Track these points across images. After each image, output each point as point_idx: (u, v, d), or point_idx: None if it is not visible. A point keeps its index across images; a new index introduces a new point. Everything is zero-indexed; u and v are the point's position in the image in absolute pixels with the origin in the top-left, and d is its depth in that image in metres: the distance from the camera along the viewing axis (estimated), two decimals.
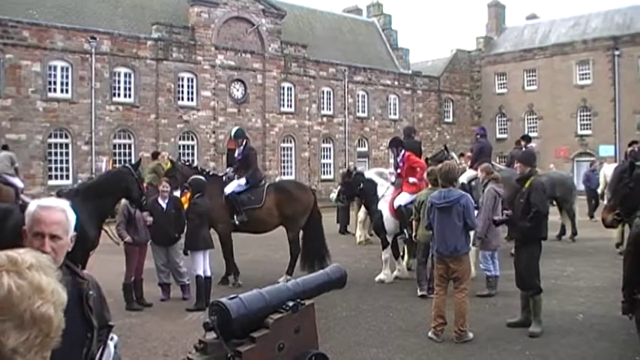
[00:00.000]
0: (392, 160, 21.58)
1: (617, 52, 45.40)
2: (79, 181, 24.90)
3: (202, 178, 11.84)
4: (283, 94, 40.35)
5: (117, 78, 32.91)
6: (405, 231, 12.67)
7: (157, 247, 11.57)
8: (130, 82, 33.38)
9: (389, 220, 12.82)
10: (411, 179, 13.00)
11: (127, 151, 33.13)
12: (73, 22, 31.65)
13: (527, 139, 19.43)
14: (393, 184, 13.48)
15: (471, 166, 16.30)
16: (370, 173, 14.45)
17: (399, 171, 13.53)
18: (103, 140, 32.10)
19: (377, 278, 12.81)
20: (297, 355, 5.84)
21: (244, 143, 14.03)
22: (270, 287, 6.24)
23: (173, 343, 8.63)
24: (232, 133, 14.84)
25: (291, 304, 5.82)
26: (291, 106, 40.75)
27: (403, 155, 13.30)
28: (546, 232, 9.13)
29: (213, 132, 36.51)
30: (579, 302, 10.16)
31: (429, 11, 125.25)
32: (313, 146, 41.70)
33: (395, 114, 47.50)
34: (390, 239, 12.97)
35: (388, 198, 12.96)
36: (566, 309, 10.21)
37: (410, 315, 10.14)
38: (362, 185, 13.18)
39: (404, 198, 12.71)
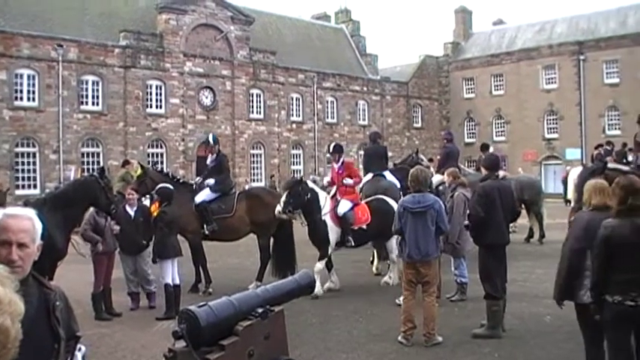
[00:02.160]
0: (361, 166, 21.68)
1: (582, 57, 46.07)
2: (47, 191, 24.67)
3: (169, 186, 11.74)
4: (252, 100, 40.35)
5: (84, 86, 32.72)
6: (350, 238, 12.43)
7: (124, 256, 11.51)
8: (97, 90, 33.19)
9: (333, 230, 12.46)
10: (346, 180, 12.86)
11: (96, 159, 32.90)
12: (40, 30, 31.40)
13: (486, 147, 19.69)
14: (326, 189, 13.41)
15: (437, 171, 16.42)
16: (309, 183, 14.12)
17: (330, 179, 13.44)
18: (71, 149, 31.85)
19: (312, 295, 11.87)
20: None
21: (217, 150, 13.99)
22: (240, 294, 6.22)
23: (143, 352, 8.59)
24: (210, 139, 14.65)
25: (260, 310, 5.81)
26: (260, 113, 40.76)
27: (343, 163, 13.21)
28: (497, 237, 8.97)
29: (182, 139, 36.39)
30: (547, 304, 10.18)
31: (396, 17, 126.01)
32: (283, 152, 41.73)
33: (364, 119, 47.69)
34: (331, 250, 12.62)
35: (328, 208, 12.52)
36: (535, 311, 10.33)
37: (380, 320, 10.17)
38: (309, 195, 12.46)
39: (345, 206, 12.52)
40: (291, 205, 12.11)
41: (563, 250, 6.43)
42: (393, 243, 12.16)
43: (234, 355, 5.50)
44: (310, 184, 13.09)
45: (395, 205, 11.44)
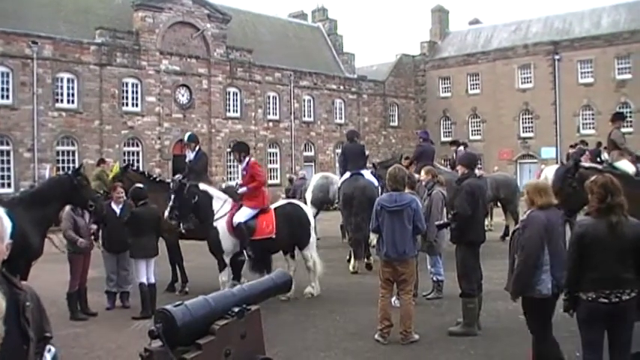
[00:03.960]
0: (337, 165, 21.68)
1: (557, 57, 46.44)
2: (22, 189, 24.45)
3: (141, 186, 11.62)
4: (229, 99, 40.23)
5: (59, 84, 32.42)
6: (245, 252, 11.46)
7: (108, 255, 11.46)
8: (73, 88, 32.91)
9: (226, 238, 11.37)
10: (241, 189, 11.91)
11: (71, 158, 32.62)
12: (14, 27, 31.05)
13: (457, 144, 19.78)
14: (240, 196, 11.87)
15: (407, 168, 16.47)
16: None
17: (241, 181, 12.34)
18: (45, 147, 31.55)
19: None
20: None
21: (197, 148, 13.93)
22: (216, 293, 6.22)
23: (119, 352, 8.54)
24: (186, 137, 14.60)
25: (236, 309, 5.80)
26: (236, 112, 40.65)
27: (248, 163, 12.05)
28: (477, 235, 9.15)
29: (159, 138, 36.19)
30: None
31: (373, 16, 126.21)
32: (259, 151, 41.59)
33: (341, 118, 47.73)
34: (227, 260, 11.56)
35: (225, 213, 11.52)
36: (510, 309, 10.35)
37: (356, 318, 10.20)
38: (197, 198, 11.36)
39: (244, 214, 11.46)
40: (176, 210, 11.23)
41: (526, 246, 6.53)
42: (311, 252, 11.71)
43: (211, 355, 5.49)
44: (203, 187, 11.86)
45: (309, 212, 11.41)
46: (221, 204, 11.61)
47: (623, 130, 14.88)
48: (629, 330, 5.86)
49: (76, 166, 13.02)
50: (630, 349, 5.93)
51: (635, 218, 5.93)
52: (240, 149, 12.40)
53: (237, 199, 11.90)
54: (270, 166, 42.61)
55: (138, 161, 34.81)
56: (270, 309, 10.38)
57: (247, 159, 12.11)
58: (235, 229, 11.32)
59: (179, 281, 12.96)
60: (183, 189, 11.29)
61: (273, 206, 11.96)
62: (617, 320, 5.76)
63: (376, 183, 15.10)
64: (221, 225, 11.42)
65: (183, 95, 37.78)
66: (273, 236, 11.47)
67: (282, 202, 12.44)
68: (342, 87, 48.19)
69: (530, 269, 6.18)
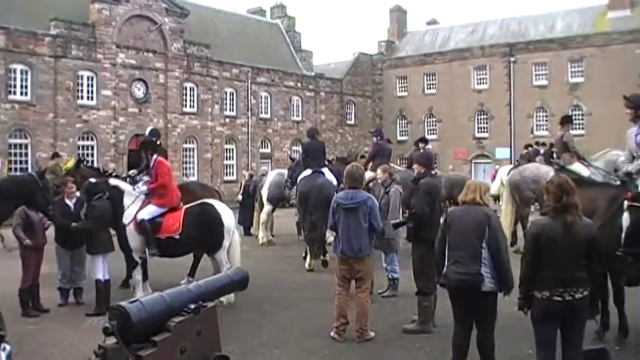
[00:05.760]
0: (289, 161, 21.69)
1: (512, 59, 47.08)
2: None
3: (95, 180, 11.42)
4: (186, 94, 39.93)
5: (12, 75, 31.80)
6: (147, 250, 11.08)
7: (62, 251, 11.27)
8: (26, 80, 32.32)
9: (133, 236, 11.04)
10: (140, 187, 11.70)
11: (24, 151, 32.06)
12: None
13: (425, 141, 19.91)
14: (147, 195, 11.46)
15: (365, 167, 16.56)
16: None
17: (148, 178, 11.82)
18: None
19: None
20: (199, 358, 5.82)
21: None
22: (172, 290, 6.19)
23: (72, 350, 8.42)
24: (147, 132, 14.43)
25: (192, 306, 5.79)
26: (193, 107, 40.37)
27: (155, 161, 11.47)
28: (433, 233, 9.14)
29: (114, 132, 35.77)
30: None
31: (332, 14, 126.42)
32: (216, 147, 41.44)
33: (298, 115, 47.72)
34: (137, 257, 11.19)
35: (134, 209, 11.15)
36: None
37: (312, 316, 10.22)
38: (107, 194, 10.90)
39: (149, 211, 11.08)
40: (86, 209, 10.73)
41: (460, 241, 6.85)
42: (222, 256, 11.09)
43: (166, 352, 5.47)
44: (114, 182, 11.54)
45: (225, 214, 11.18)
46: (132, 200, 11.28)
47: (575, 132, 15.21)
48: (581, 328, 6.00)
49: (29, 159, 12.78)
50: (582, 346, 6.06)
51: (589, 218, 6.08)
52: (147, 147, 11.85)
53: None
54: (226, 162, 42.47)
55: (92, 155, 34.43)
56: (226, 306, 10.37)
57: (154, 157, 11.52)
58: (138, 226, 10.98)
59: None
60: (88, 186, 10.85)
61: (187, 206, 11.40)
62: (570, 318, 5.88)
63: (335, 182, 15.11)
64: (130, 223, 11.09)
65: (139, 89, 37.37)
66: (177, 236, 10.95)
67: (195, 202, 11.55)
68: (299, 84, 48.18)
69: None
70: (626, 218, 6.80)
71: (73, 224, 10.77)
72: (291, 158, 20.82)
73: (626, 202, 7.22)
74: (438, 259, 7.12)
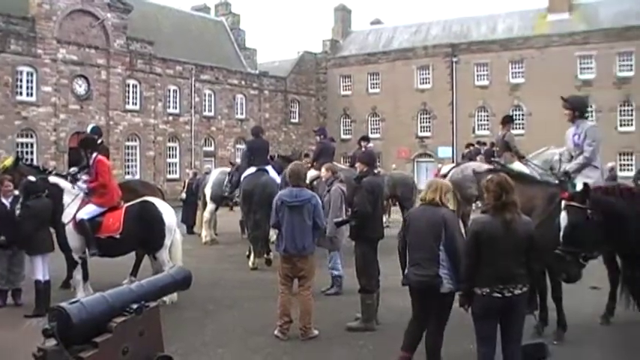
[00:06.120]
0: (238, 160, 21.64)
1: (454, 59, 47.77)
2: None
3: (34, 179, 11.17)
4: (128, 91, 39.44)
5: None
6: (87, 250, 10.85)
7: None
8: None
9: (72, 235, 10.79)
10: (80, 185, 11.37)
11: None
12: None
13: (367, 139, 20.05)
14: (87, 193, 11.17)
15: (311, 166, 16.62)
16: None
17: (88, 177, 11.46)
18: None
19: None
20: (141, 358, 5.78)
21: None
22: (113, 290, 6.13)
23: (11, 353, 8.21)
24: (89, 129, 14.19)
25: (135, 306, 5.74)
26: (136, 104, 39.91)
27: (95, 159, 11.16)
28: (376, 232, 9.36)
29: (54, 129, 35.11)
30: None
31: (277, 12, 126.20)
32: (159, 145, 41.03)
33: (242, 114, 47.55)
34: (77, 257, 10.94)
35: (74, 208, 10.88)
36: (409, 304, 10.53)
37: (256, 314, 10.21)
38: (46, 192, 10.61)
39: (88, 210, 10.82)
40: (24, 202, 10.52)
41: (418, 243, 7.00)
42: (164, 255, 10.95)
43: (108, 353, 5.41)
44: (53, 180, 11.21)
45: (166, 212, 11.11)
46: (72, 198, 11.03)
47: (516, 132, 15.53)
48: (520, 323, 6.14)
49: None
50: (521, 341, 6.20)
51: (528, 216, 6.21)
52: (87, 145, 11.49)
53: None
54: (169, 160, 42.12)
55: (32, 153, 33.74)
56: (169, 305, 10.29)
57: (94, 155, 11.23)
58: (78, 226, 10.74)
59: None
60: (26, 185, 10.55)
61: (127, 204, 11.18)
62: (509, 314, 6.00)
63: (279, 180, 15.11)
64: (68, 221, 10.85)
65: (80, 86, 36.74)
66: (117, 235, 10.73)
67: (135, 200, 11.33)
68: (243, 82, 48.00)
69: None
70: (563, 217, 6.96)
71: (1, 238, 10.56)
72: (231, 163, 20.68)
73: (563, 202, 7.38)
74: (401, 259, 7.29)
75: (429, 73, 49.09)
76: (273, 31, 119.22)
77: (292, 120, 52.41)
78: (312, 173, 16.00)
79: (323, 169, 12.53)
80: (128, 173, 37.84)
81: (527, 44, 45.46)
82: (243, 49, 51.56)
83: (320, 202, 9.26)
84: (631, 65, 42.61)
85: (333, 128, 47.60)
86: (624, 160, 41.00)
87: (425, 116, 49.48)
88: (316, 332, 8.80)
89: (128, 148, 39.51)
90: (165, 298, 10.00)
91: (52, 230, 11.03)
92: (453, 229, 6.81)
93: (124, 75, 38.80)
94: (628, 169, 38.27)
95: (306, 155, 22.15)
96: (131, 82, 39.56)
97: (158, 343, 6.09)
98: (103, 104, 37.74)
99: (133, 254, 12.66)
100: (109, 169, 11.54)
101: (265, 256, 14.95)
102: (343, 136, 50.42)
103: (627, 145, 40.35)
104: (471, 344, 6.89)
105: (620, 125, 42.62)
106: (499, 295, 5.91)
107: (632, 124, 42.51)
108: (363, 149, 18.29)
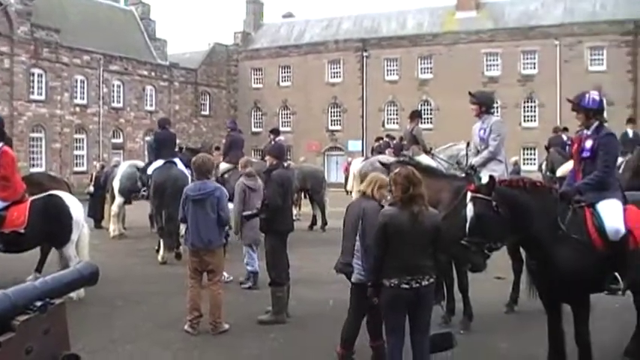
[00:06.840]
0: (146, 152, 21.29)
1: (365, 54, 48.37)
2: None
3: None
4: (33, 80, 38.33)
5: None
6: None
7: None
8: None
9: None
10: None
11: None
12: None
13: (276, 132, 20.12)
14: None
15: (223, 159, 16.55)
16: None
17: None
18: None
19: None
20: (47, 357, 5.64)
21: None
22: (16, 287, 5.95)
23: None
24: None
25: (39, 304, 5.59)
26: (41, 94, 38.81)
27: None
28: (285, 225, 9.43)
29: None
30: (331, 289, 10.57)
31: (188, 3, 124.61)
32: (65, 137, 40.02)
33: (151, 105, 46.92)
34: None
35: None
36: (319, 296, 10.69)
37: (165, 309, 10.11)
38: None
39: None
40: None
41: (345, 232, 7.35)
42: (70, 250, 10.64)
43: (11, 353, 5.26)
44: None
45: (73, 206, 10.91)
46: None
47: (424, 126, 15.88)
48: (428, 313, 6.28)
49: None
50: (429, 332, 6.35)
51: (435, 209, 6.38)
52: None
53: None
54: (76, 152, 41.19)
55: None
56: (74, 301, 10.06)
57: (2, 146, 10.48)
58: None
59: None
60: None
61: (32, 198, 10.70)
62: (417, 305, 6.12)
63: (187, 172, 14.99)
64: None
65: None
66: (22, 230, 10.32)
67: (41, 195, 10.84)
68: (153, 73, 47.36)
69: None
70: (469, 209, 7.16)
71: None
72: (101, 167, 18.98)
73: (469, 194, 7.58)
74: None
75: (339, 68, 49.55)
76: (183, 22, 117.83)
77: (203, 112, 51.99)
78: (223, 166, 15.93)
79: (239, 163, 12.54)
80: (33, 166, 36.73)
81: (436, 41, 46.49)
82: (153, 39, 50.78)
83: (225, 194, 9.23)
84: (534, 63, 44.16)
85: (244, 121, 47.49)
86: (527, 154, 42.43)
87: (335, 110, 49.93)
88: (227, 326, 8.79)
89: (33, 140, 38.38)
90: (72, 294, 9.71)
91: None
92: (368, 222, 6.90)
93: (28, 64, 37.67)
94: (531, 164, 39.61)
95: (217, 148, 22.01)
96: (36, 71, 38.43)
97: (64, 341, 5.95)
98: (7, 94, 36.57)
99: (37, 249, 12.33)
100: (14, 160, 11.12)
101: (175, 250, 14.82)
102: (254, 129, 50.42)
103: (530, 140, 41.70)
104: (382, 336, 7.02)
105: (524, 121, 44.14)
106: (407, 287, 6.03)
107: (535, 120, 44.03)
108: (273, 142, 18.32)
